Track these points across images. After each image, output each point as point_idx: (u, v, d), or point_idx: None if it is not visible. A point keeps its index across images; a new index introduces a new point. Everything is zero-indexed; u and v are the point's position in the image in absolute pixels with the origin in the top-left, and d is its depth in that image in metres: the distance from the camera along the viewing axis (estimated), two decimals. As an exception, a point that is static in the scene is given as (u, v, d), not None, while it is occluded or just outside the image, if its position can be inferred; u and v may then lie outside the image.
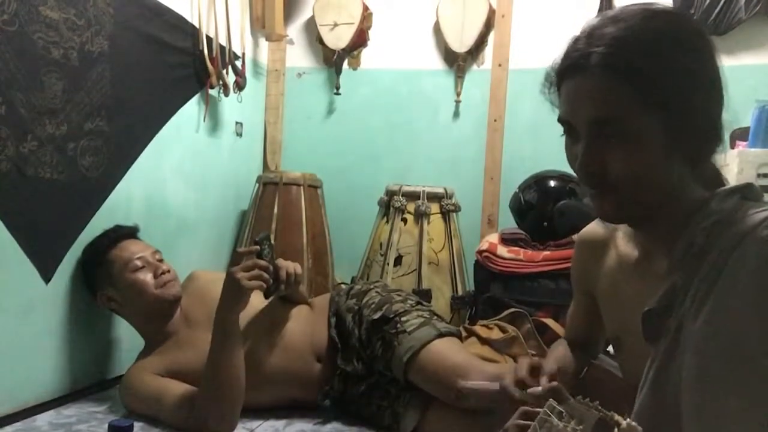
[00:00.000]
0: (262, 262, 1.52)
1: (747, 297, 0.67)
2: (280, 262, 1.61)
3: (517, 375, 1.02)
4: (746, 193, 0.78)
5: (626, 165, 0.77)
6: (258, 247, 1.54)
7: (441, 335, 1.57)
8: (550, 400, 0.77)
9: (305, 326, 1.73)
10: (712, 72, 0.78)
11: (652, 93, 0.74)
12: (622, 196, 0.80)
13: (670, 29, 0.77)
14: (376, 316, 1.65)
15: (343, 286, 1.94)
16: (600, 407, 0.72)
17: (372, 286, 1.80)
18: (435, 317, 1.68)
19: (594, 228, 1.07)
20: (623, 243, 0.98)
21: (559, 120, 0.84)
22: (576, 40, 0.81)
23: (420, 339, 1.55)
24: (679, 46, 0.76)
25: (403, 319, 1.62)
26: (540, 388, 0.92)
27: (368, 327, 1.65)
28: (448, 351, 1.53)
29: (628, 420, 0.68)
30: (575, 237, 1.17)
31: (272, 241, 1.62)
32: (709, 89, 0.78)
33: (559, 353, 1.17)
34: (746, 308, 0.67)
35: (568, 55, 0.81)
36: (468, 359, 1.51)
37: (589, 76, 0.77)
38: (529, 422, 0.79)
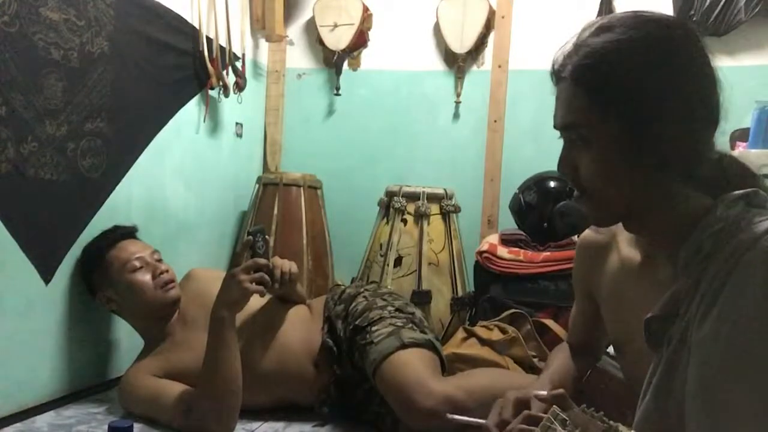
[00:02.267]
0: (262, 261, 1.52)
1: (754, 306, 0.66)
2: (276, 260, 1.60)
3: (502, 416, 0.95)
4: (751, 199, 0.77)
5: (588, 170, 0.81)
6: (251, 238, 1.53)
7: (404, 346, 1.53)
8: (554, 407, 0.77)
9: (301, 329, 1.72)
10: (696, 86, 0.77)
11: (612, 104, 0.77)
12: (594, 202, 0.83)
13: (649, 42, 0.77)
14: (354, 325, 1.63)
15: (341, 287, 1.92)
16: (604, 418, 0.72)
17: (362, 290, 1.77)
18: (410, 324, 1.63)
19: (596, 230, 1.07)
20: (626, 246, 0.97)
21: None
22: (563, 47, 0.84)
23: (381, 352, 1.52)
24: (656, 60, 0.76)
25: (374, 328, 1.59)
26: (545, 393, 0.91)
27: (349, 336, 1.64)
28: (402, 366, 1.48)
29: None
30: (577, 239, 1.17)
31: (267, 236, 1.61)
32: (683, 100, 0.76)
33: (556, 366, 1.16)
34: (753, 317, 0.66)
35: (553, 63, 0.84)
36: (418, 376, 1.45)
37: (563, 84, 0.82)
38: (532, 428, 0.79)
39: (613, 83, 0.77)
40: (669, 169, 0.78)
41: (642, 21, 0.79)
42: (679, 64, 0.77)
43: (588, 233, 1.09)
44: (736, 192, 0.77)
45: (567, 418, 0.74)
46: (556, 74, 0.83)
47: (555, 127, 0.85)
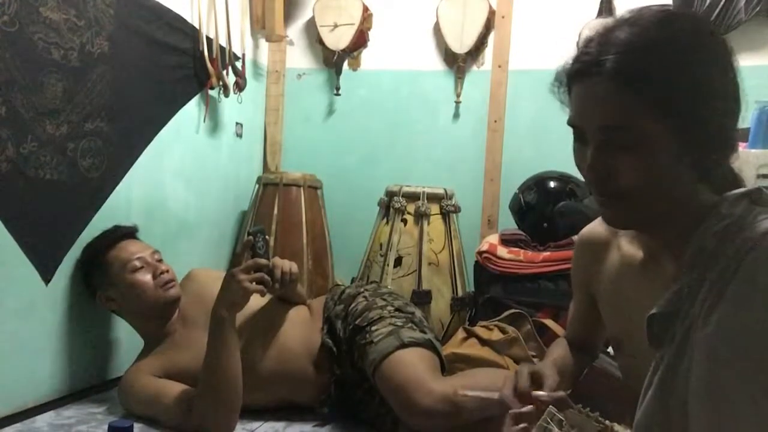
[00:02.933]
0: (263, 261, 1.52)
1: (759, 305, 0.66)
2: (276, 260, 1.60)
3: (519, 385, 0.97)
4: (755, 197, 0.77)
5: (635, 174, 0.76)
6: (251, 238, 1.53)
7: (403, 346, 1.53)
8: (550, 407, 0.77)
9: (301, 329, 1.72)
10: (727, 79, 0.77)
11: (664, 102, 0.73)
12: (630, 204, 0.79)
13: (687, 36, 0.76)
14: (354, 325, 1.64)
15: (341, 287, 1.92)
16: (600, 418, 0.72)
17: (362, 290, 1.78)
18: (410, 324, 1.63)
19: (595, 227, 1.07)
20: (626, 243, 0.97)
21: (569, 123, 0.83)
22: (588, 42, 0.79)
23: (381, 351, 1.52)
24: (695, 54, 0.75)
25: (374, 328, 1.59)
26: (545, 393, 0.91)
27: (349, 336, 1.64)
28: (402, 365, 1.48)
29: (628, 431, 0.68)
30: (576, 237, 1.17)
31: (267, 236, 1.61)
32: (722, 98, 0.76)
33: (557, 355, 1.16)
34: (758, 316, 0.66)
35: (579, 58, 0.79)
36: (418, 375, 1.45)
37: (601, 82, 0.76)
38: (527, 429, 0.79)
39: (670, 82, 0.73)
40: (709, 168, 0.77)
41: (675, 17, 0.78)
42: (718, 60, 0.77)
43: (588, 229, 1.09)
44: (740, 190, 0.77)
45: (563, 419, 0.74)
46: (586, 70, 0.77)
47: (585, 127, 0.79)
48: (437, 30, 2.75)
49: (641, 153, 0.75)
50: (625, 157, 0.76)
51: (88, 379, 1.82)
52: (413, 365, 1.49)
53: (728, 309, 0.68)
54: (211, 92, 2.37)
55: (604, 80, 0.75)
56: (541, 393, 0.92)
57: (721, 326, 0.68)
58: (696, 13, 0.81)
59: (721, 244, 0.73)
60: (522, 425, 0.86)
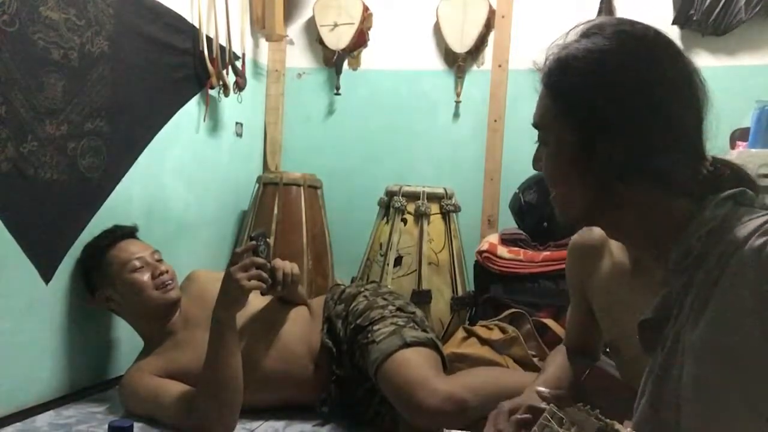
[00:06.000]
0: (260, 260, 1.52)
1: (746, 306, 0.66)
2: (277, 262, 1.60)
3: (497, 427, 0.95)
4: (739, 198, 0.76)
5: (545, 168, 0.84)
6: (254, 243, 1.53)
7: (406, 345, 1.53)
8: (551, 405, 0.77)
9: (302, 329, 1.72)
10: (662, 104, 0.75)
11: (570, 113, 0.78)
12: (554, 197, 0.86)
13: (618, 58, 0.76)
14: (355, 324, 1.64)
15: (341, 286, 1.93)
16: (600, 416, 0.72)
17: (362, 290, 1.78)
18: (412, 323, 1.63)
19: (586, 234, 1.07)
20: (617, 250, 0.98)
21: None
22: (550, 45, 0.84)
23: (383, 350, 1.52)
24: (620, 77, 0.75)
25: (375, 327, 1.60)
26: (546, 390, 0.91)
27: (350, 335, 1.64)
28: (405, 364, 1.49)
29: (628, 430, 0.68)
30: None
31: (268, 239, 1.61)
32: (649, 121, 0.75)
33: (551, 372, 1.16)
34: (746, 317, 0.66)
35: (543, 60, 0.85)
36: (422, 374, 1.45)
37: (542, 85, 0.84)
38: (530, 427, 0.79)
39: (573, 93, 0.78)
40: (632, 179, 0.77)
41: (619, 32, 0.78)
42: (645, 82, 0.75)
43: (579, 236, 1.10)
44: (725, 192, 0.77)
45: (564, 416, 0.74)
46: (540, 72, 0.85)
47: None
48: (437, 30, 2.75)
49: (550, 152, 0.83)
50: (544, 151, 0.84)
51: (88, 379, 1.82)
52: (417, 364, 1.49)
53: (715, 312, 0.68)
54: (211, 92, 2.37)
55: (542, 83, 0.83)
56: (541, 389, 0.92)
57: (709, 329, 0.68)
58: (651, 32, 0.79)
59: (706, 248, 0.72)
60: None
